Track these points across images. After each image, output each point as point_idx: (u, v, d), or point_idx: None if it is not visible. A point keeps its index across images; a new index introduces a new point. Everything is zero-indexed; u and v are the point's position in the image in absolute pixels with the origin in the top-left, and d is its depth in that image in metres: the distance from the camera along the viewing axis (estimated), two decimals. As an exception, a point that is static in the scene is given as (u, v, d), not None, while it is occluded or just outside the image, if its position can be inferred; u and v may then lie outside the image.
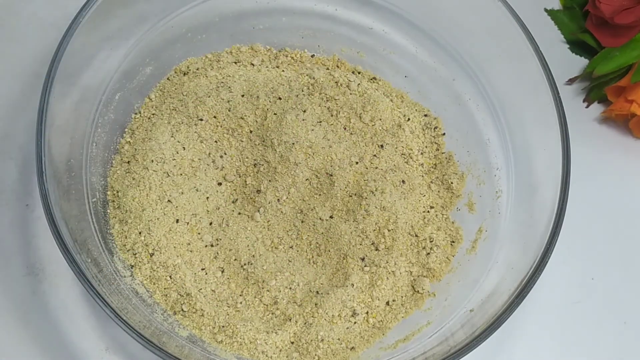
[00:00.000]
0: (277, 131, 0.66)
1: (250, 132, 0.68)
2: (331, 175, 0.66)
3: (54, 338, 0.61)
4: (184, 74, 0.69)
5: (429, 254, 0.64)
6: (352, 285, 0.61)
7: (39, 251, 0.64)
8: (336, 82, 0.70)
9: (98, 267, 0.55)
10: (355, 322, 0.60)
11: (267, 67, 0.71)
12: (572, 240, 0.67)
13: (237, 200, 0.66)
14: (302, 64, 0.72)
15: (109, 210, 0.62)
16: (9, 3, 0.74)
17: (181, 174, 0.64)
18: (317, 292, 0.62)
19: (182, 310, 0.59)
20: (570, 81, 0.77)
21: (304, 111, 0.68)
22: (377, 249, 0.63)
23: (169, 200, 0.63)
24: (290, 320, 0.60)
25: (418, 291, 0.62)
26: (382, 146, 0.68)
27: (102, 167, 0.63)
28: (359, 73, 0.73)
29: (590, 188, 0.71)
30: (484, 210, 0.65)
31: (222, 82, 0.69)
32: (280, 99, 0.68)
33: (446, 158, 0.69)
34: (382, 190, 0.65)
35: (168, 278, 0.60)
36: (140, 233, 0.60)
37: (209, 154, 0.66)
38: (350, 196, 0.65)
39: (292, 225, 0.65)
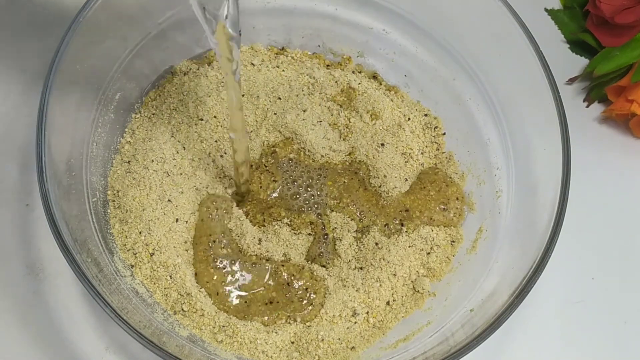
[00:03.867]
0: (277, 131, 0.67)
1: (251, 131, 0.68)
2: (331, 175, 0.66)
3: (54, 338, 0.61)
4: (184, 74, 0.69)
5: (429, 253, 0.64)
6: (353, 285, 0.61)
7: (39, 251, 0.64)
8: (336, 82, 0.70)
9: (98, 266, 0.55)
10: (355, 322, 0.60)
11: (267, 67, 0.71)
12: (572, 240, 0.67)
13: (237, 200, 0.66)
14: (302, 63, 0.72)
15: (109, 210, 0.62)
16: (9, 3, 0.74)
17: (181, 174, 0.64)
18: (317, 292, 0.62)
19: (182, 309, 0.59)
20: (571, 81, 0.77)
21: (304, 111, 0.68)
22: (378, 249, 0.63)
23: (169, 200, 0.63)
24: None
25: (418, 291, 0.62)
26: (382, 145, 0.68)
27: (102, 167, 0.63)
28: (359, 73, 0.73)
29: (590, 188, 0.71)
30: (484, 210, 0.65)
31: (222, 82, 0.69)
32: (280, 98, 0.68)
33: (446, 158, 0.69)
34: (382, 190, 0.65)
35: (168, 278, 0.60)
36: (140, 233, 0.60)
37: (209, 153, 0.66)
38: (351, 196, 0.66)
39: (292, 225, 0.65)
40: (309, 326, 0.60)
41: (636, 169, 0.74)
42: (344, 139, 0.69)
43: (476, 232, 0.64)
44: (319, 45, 0.73)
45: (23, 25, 0.74)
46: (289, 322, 0.60)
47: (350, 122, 0.69)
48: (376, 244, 0.62)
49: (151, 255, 0.60)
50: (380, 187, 0.66)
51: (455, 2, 0.67)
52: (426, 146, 0.70)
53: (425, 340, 0.57)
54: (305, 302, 0.60)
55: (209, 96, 0.67)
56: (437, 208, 0.65)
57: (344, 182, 0.66)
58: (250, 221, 0.64)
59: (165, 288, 0.59)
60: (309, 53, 0.73)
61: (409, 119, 0.70)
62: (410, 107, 0.71)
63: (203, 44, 0.70)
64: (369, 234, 0.63)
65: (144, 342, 0.50)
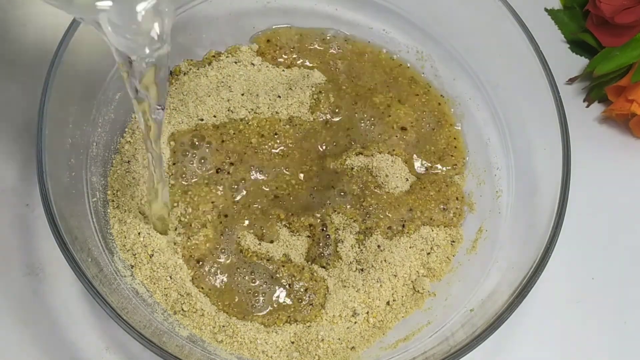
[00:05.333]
0: (277, 131, 0.67)
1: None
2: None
3: (54, 338, 0.61)
4: (184, 74, 0.69)
5: (429, 253, 0.64)
6: (353, 285, 0.61)
7: (39, 251, 0.64)
8: (336, 82, 0.70)
9: (98, 266, 0.55)
10: (355, 322, 0.60)
11: (267, 66, 0.71)
12: (572, 240, 0.67)
13: (237, 200, 0.66)
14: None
15: (109, 210, 0.62)
16: (8, 3, 0.74)
17: (181, 174, 0.64)
18: (318, 292, 0.62)
19: (182, 310, 0.59)
20: (571, 81, 0.77)
21: (304, 111, 0.68)
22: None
23: (169, 200, 0.63)
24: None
25: (418, 291, 0.62)
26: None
27: (102, 166, 0.63)
28: (359, 73, 0.73)
29: (590, 188, 0.71)
30: (484, 209, 0.65)
31: (222, 82, 0.69)
32: (279, 97, 0.68)
33: (446, 158, 0.69)
34: (382, 190, 0.65)
35: (168, 278, 0.59)
36: (139, 233, 0.60)
37: (209, 153, 0.66)
38: (351, 196, 0.66)
39: (293, 225, 0.65)
40: (309, 326, 0.60)
41: (636, 169, 0.74)
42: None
43: (476, 232, 0.64)
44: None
45: (23, 25, 0.74)
46: (289, 322, 0.60)
47: (350, 122, 0.69)
48: (378, 246, 0.62)
49: (150, 257, 0.60)
50: (382, 186, 0.66)
51: (455, 2, 0.67)
52: (426, 146, 0.70)
53: (425, 340, 0.57)
54: (305, 302, 0.60)
55: (209, 96, 0.67)
56: (437, 208, 0.65)
57: (346, 182, 0.66)
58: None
59: (165, 288, 0.59)
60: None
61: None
62: (410, 107, 0.71)
63: (203, 45, 0.70)
64: (371, 236, 0.63)
65: (144, 342, 0.50)
